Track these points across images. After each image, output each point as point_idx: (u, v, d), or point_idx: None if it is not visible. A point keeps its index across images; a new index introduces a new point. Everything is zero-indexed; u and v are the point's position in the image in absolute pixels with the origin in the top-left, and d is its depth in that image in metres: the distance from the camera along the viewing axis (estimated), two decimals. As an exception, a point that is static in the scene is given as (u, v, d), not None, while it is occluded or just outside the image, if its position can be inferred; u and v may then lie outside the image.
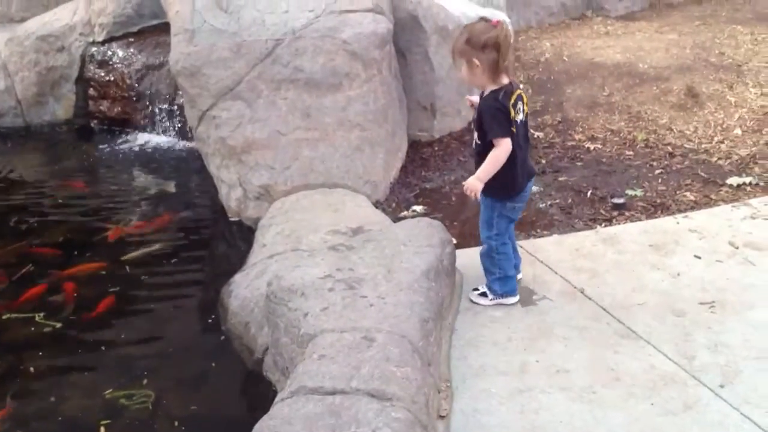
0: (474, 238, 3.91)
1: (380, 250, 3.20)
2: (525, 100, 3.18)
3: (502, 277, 3.39)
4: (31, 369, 3.36)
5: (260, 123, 4.57)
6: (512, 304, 3.41)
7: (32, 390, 3.23)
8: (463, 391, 2.85)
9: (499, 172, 3.16)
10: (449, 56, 5.54)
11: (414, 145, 5.55)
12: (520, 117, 3.15)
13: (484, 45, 3.02)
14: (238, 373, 3.31)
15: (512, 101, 3.10)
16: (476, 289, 3.48)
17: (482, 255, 3.46)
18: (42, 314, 3.74)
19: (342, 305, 2.83)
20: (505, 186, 3.25)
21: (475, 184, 3.15)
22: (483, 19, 3.14)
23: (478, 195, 3.19)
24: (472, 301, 3.45)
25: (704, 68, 6.71)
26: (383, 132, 4.85)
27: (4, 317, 3.73)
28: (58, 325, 3.66)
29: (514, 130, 3.12)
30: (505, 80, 3.12)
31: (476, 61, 3.05)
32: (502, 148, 3.11)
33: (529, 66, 7.06)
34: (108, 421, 3.00)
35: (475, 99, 3.38)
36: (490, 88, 3.15)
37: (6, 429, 2.97)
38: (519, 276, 3.61)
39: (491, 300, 3.42)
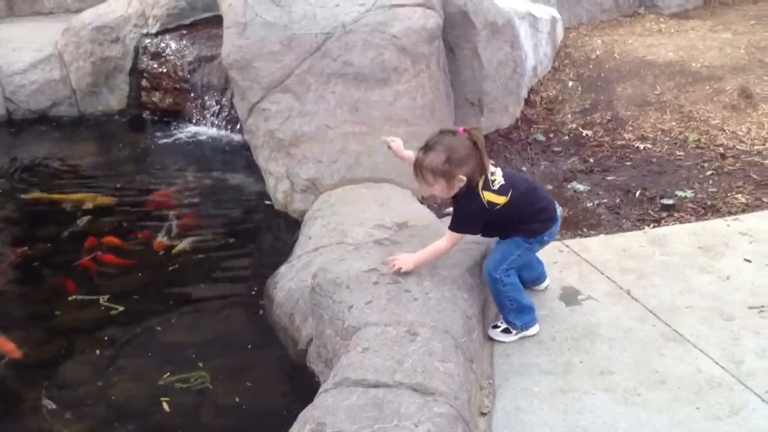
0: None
1: (425, 246, 3.21)
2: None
3: (516, 309, 3.10)
4: (97, 351, 3.45)
5: (309, 116, 4.61)
6: (535, 335, 3.15)
7: (90, 370, 3.32)
8: (506, 389, 2.85)
9: (516, 224, 3.03)
10: (497, 54, 5.61)
11: (460, 141, 5.51)
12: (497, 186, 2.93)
13: (466, 157, 2.82)
14: (282, 364, 3.37)
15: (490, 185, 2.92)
16: (496, 326, 3.15)
17: (488, 286, 3.17)
18: (106, 297, 3.84)
19: (386, 299, 2.84)
20: (532, 228, 3.07)
21: (405, 262, 3.00)
22: (443, 130, 2.89)
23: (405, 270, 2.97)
24: (492, 339, 3.12)
25: (759, 68, 6.54)
26: (430, 127, 4.81)
27: (69, 299, 3.83)
28: (121, 308, 3.76)
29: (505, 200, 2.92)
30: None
31: (461, 177, 2.83)
32: (448, 242, 2.97)
33: (579, 63, 6.98)
34: (167, 399, 3.10)
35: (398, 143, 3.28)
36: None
37: (67, 410, 3.06)
38: (545, 284, 3.46)
39: (515, 335, 3.12)
